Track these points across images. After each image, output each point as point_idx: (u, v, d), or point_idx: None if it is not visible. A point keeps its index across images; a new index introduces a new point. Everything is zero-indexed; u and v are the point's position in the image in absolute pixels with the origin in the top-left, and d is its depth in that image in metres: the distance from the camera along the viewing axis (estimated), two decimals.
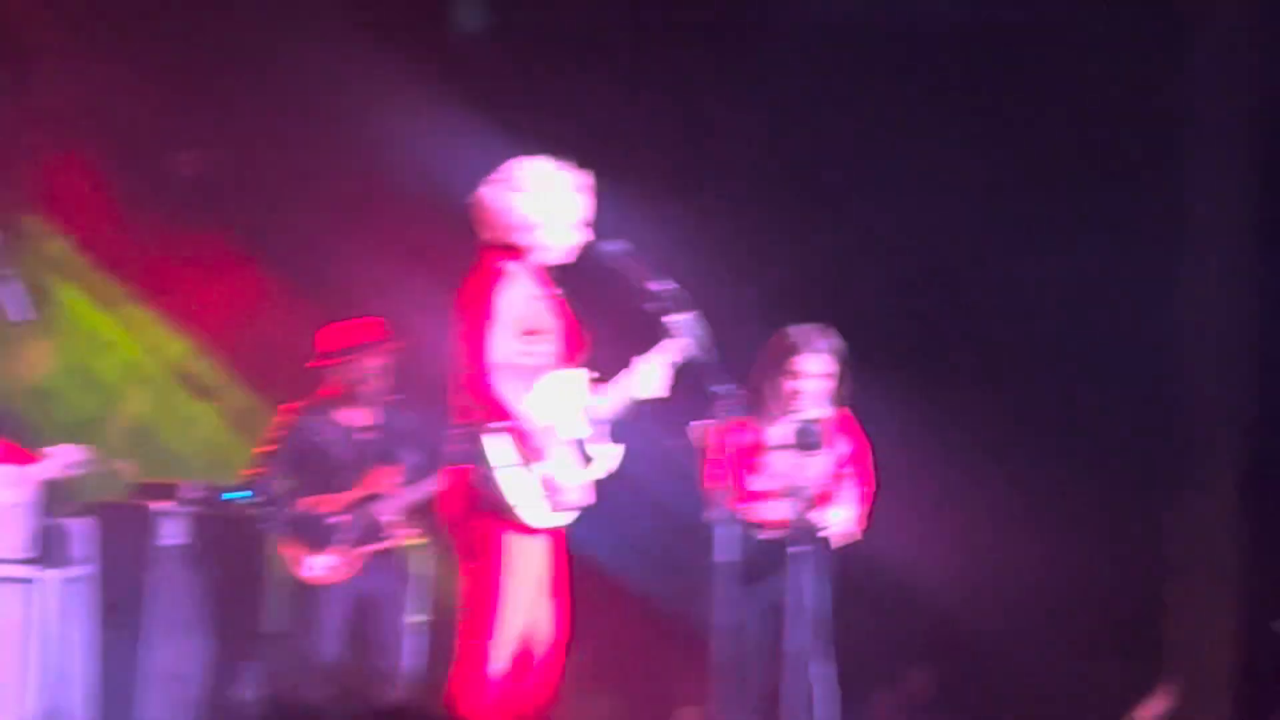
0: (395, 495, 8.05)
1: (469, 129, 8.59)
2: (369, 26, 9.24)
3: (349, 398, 8.17)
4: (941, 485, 9.39)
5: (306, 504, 8.03)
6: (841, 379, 7.30)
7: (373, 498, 8.06)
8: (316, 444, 8.14)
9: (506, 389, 5.92)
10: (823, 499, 7.20)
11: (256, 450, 8.17)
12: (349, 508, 8.03)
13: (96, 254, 9.48)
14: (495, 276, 6.03)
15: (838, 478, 7.28)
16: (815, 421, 7.17)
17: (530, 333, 6.04)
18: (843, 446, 7.33)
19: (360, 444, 8.18)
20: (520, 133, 6.94)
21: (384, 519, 8.03)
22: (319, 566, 8.00)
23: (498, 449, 5.94)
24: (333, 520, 8.01)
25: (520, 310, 6.02)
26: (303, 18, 9.07)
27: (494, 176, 6.16)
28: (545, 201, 6.09)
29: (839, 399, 7.29)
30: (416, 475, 8.04)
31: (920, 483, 8.97)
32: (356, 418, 8.20)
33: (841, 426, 7.33)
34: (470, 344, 5.94)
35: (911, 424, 8.85)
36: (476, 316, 5.96)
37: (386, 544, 8.06)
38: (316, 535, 8.00)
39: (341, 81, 9.17)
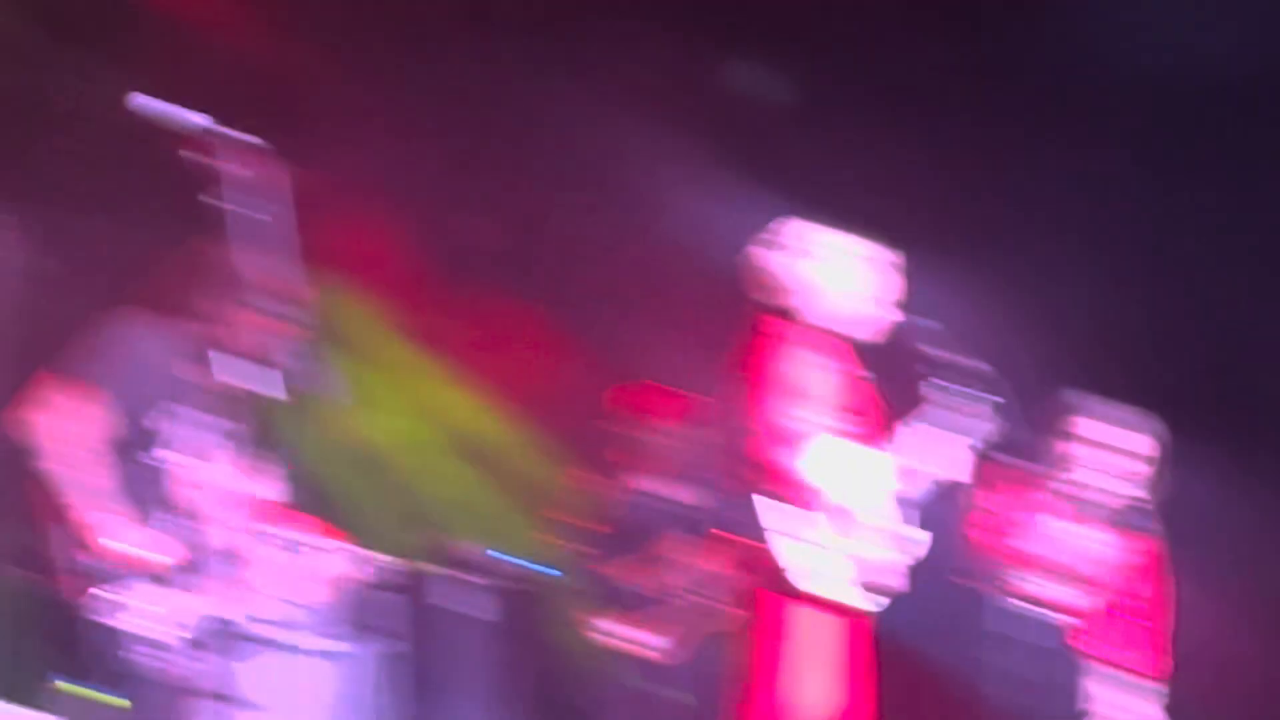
0: (692, 565, 8.04)
1: (756, 196, 8.56)
2: (656, 94, 9.28)
3: (643, 465, 8.20)
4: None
5: (607, 571, 8.07)
6: (1159, 469, 7.02)
7: (670, 566, 8.05)
8: (616, 510, 8.18)
9: (780, 454, 5.85)
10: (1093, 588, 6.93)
11: (562, 520, 8.23)
12: (646, 576, 8.03)
13: (397, 322, 9.69)
14: (769, 340, 5.96)
15: (1129, 610, 6.99)
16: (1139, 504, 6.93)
17: (802, 398, 5.96)
18: (1139, 579, 7.05)
19: (661, 512, 8.20)
20: (808, 200, 6.86)
21: (681, 587, 8.02)
22: (624, 636, 8.02)
23: (770, 513, 5.87)
24: (632, 588, 8.02)
25: (793, 375, 5.94)
26: (594, 89, 9.15)
27: (769, 237, 6.11)
28: (827, 270, 6.03)
29: (1154, 490, 7.00)
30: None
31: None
32: (651, 485, 8.23)
33: (1143, 556, 7.05)
34: (747, 407, 5.90)
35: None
36: (750, 380, 5.91)
37: (684, 612, 8.04)
38: (618, 603, 8.03)
39: (629, 148, 9.23)
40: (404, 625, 8.03)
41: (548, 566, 8.31)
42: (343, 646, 7.72)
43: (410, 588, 8.14)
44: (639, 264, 9.47)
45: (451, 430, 9.93)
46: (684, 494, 8.16)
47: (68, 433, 5.66)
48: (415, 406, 9.91)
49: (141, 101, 4.66)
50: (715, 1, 9.37)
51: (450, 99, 9.53)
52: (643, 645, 7.96)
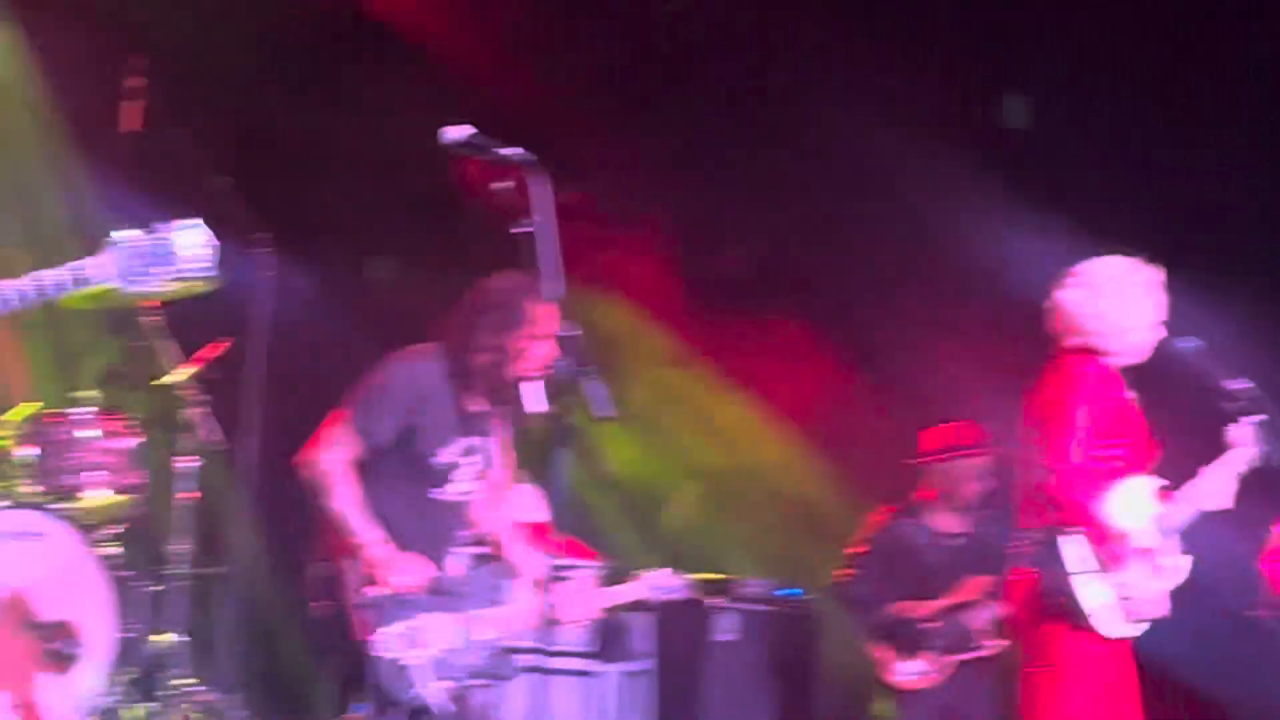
0: (986, 605, 7.91)
1: (1039, 227, 8.43)
2: (943, 126, 9.23)
3: (944, 502, 8.10)
4: None
5: (898, 608, 7.98)
6: None
7: (964, 606, 7.93)
8: (909, 547, 8.07)
9: (1085, 493, 5.76)
10: None
11: (848, 550, 8.15)
12: (940, 615, 7.92)
13: (668, 346, 9.73)
14: (1075, 379, 5.88)
15: None
16: None
17: (1109, 436, 5.86)
18: None
19: (952, 550, 8.09)
20: (1090, 229, 6.75)
21: (974, 628, 7.90)
22: (908, 672, 7.90)
23: (1075, 554, 5.78)
24: (924, 626, 7.92)
25: (1100, 413, 5.85)
26: (885, 119, 9.11)
27: (1071, 278, 6.03)
28: (1125, 303, 5.92)
29: None
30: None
31: None
32: (949, 523, 8.12)
33: None
34: (1049, 446, 5.81)
35: None
36: (1056, 418, 5.82)
37: (975, 654, 7.91)
38: (907, 640, 7.93)
39: (907, 178, 9.15)
40: (651, 646, 8.04)
41: (795, 591, 8.25)
42: (587, 665, 7.77)
43: (659, 608, 8.14)
44: (936, 300, 9.38)
45: (726, 456, 9.94)
46: (978, 529, 8.08)
47: (354, 470, 5.77)
48: (690, 431, 9.94)
49: (451, 133, 4.73)
50: (999, 34, 9.29)
51: (726, 122, 9.59)
52: (920, 678, 7.87)
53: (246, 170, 8.56)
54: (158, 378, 7.92)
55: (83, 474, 7.39)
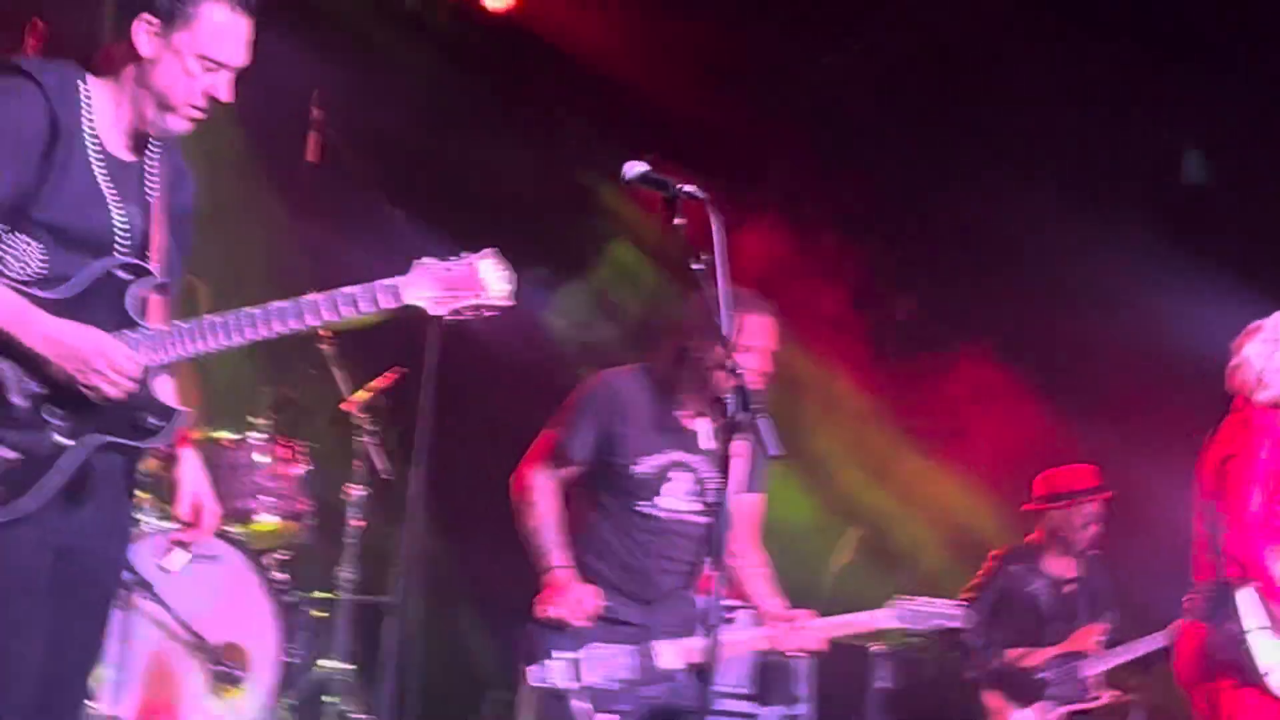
0: (1101, 653, 7.81)
1: (1221, 281, 8.33)
2: (1113, 177, 9.16)
3: (1057, 546, 8.01)
4: None
5: (1013, 655, 7.89)
6: None
7: (1078, 654, 7.84)
8: (1023, 593, 8.00)
9: (1262, 546, 5.66)
10: None
11: (962, 594, 8.08)
12: (1054, 662, 7.83)
13: (844, 387, 9.73)
14: (1256, 432, 5.79)
15: None
16: None
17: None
18: None
19: (1066, 597, 8.00)
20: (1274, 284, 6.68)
21: (1088, 677, 7.79)
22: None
23: (1250, 609, 5.67)
24: (1038, 675, 7.83)
25: (1273, 465, 5.76)
26: (1059, 183, 9.07)
27: (1255, 332, 5.95)
28: None
29: None
30: (1117, 634, 7.82)
31: None
32: (1061, 567, 8.03)
33: None
34: (1227, 499, 5.72)
35: None
36: (1235, 472, 5.73)
37: (1090, 704, 7.81)
38: (1021, 688, 7.84)
39: (1088, 231, 9.10)
40: (811, 689, 7.99)
41: (948, 640, 8.17)
42: (747, 707, 7.74)
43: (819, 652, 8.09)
44: (1120, 352, 9.31)
45: (882, 495, 9.91)
46: (1088, 574, 8.00)
47: (558, 490, 5.81)
48: (859, 474, 9.93)
49: (631, 168, 4.78)
50: (1174, 92, 9.21)
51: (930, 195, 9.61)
52: None
53: (425, 201, 8.68)
54: (330, 405, 8.02)
55: (255, 499, 7.50)
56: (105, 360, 4.38)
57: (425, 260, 4.52)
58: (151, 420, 4.50)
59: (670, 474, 5.81)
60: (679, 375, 5.77)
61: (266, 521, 7.53)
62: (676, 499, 5.81)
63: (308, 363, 8.08)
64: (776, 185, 10.05)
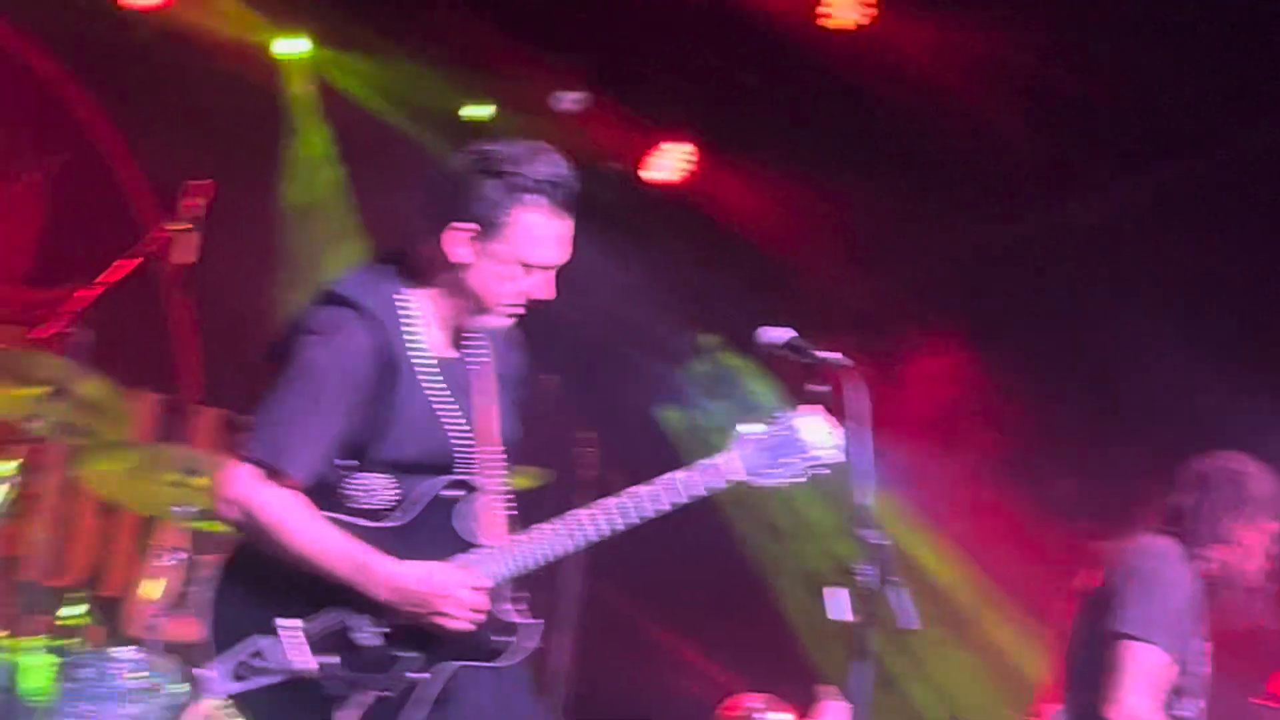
0: None
1: None
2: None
3: None
4: None
5: None
6: None
7: None
8: None
9: None
10: None
11: None
12: None
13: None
14: None
15: None
16: None
17: None
18: None
19: None
20: None
21: None
22: None
23: None
24: None
25: None
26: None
27: None
28: None
29: None
30: None
31: None
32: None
33: None
34: None
35: None
36: None
37: None
38: None
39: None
40: None
41: None
42: None
43: None
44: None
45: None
46: None
47: None
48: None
49: (769, 334, 4.77)
50: None
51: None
52: None
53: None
54: None
55: None
56: (448, 600, 4.42)
57: (743, 430, 4.48)
58: (497, 639, 4.52)
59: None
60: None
61: None
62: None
63: None
64: (925, 354, 10.01)
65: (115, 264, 7.03)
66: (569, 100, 10.04)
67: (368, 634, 4.45)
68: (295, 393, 4.49)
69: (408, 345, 4.54)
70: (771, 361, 5.11)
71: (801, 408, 4.46)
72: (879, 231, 9.99)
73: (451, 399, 4.59)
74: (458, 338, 4.67)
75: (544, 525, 4.51)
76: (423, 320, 4.58)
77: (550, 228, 4.52)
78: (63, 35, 9.29)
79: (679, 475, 4.45)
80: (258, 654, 4.46)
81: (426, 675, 4.45)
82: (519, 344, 4.86)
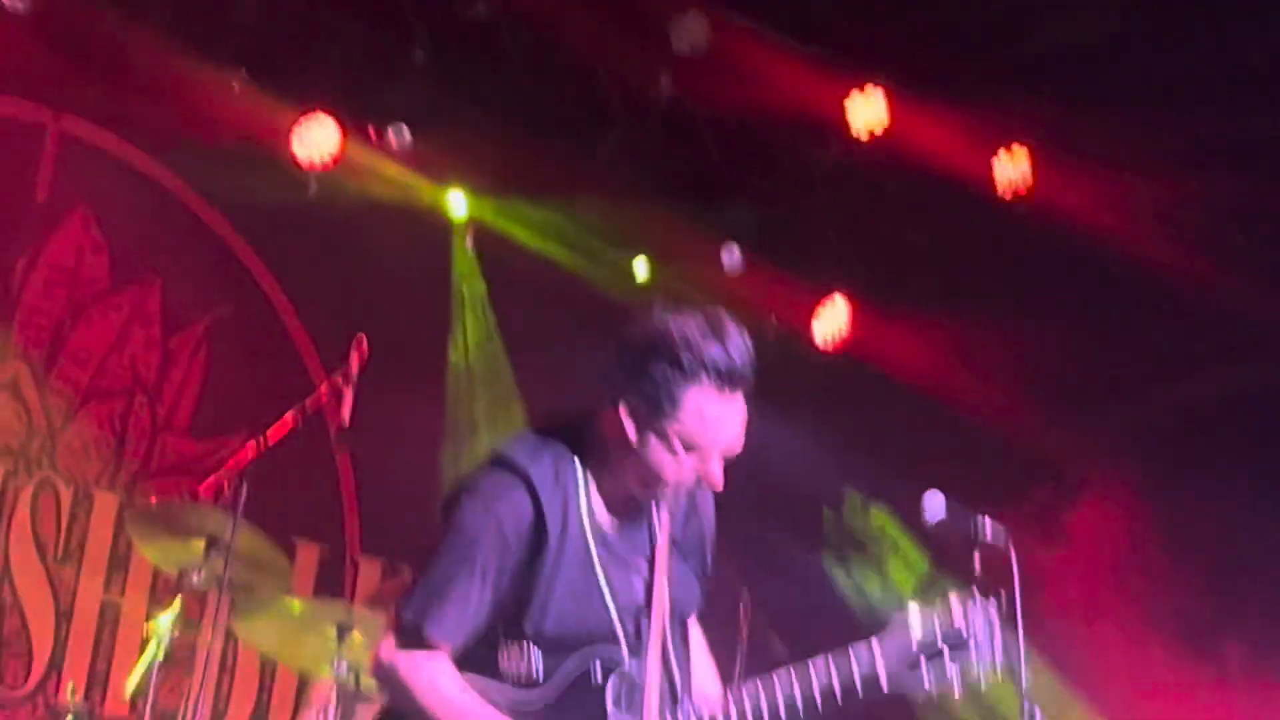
0: None
1: None
2: None
3: None
4: None
5: None
6: None
7: None
8: None
9: None
10: None
11: None
12: None
13: None
14: None
15: None
16: None
17: None
18: None
19: None
20: None
21: None
22: None
23: None
24: None
25: None
26: None
27: None
28: None
29: None
30: None
31: None
32: None
33: None
34: None
35: None
36: None
37: None
38: None
39: None
40: None
41: None
42: None
43: None
44: None
45: None
46: None
47: None
48: None
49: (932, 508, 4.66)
50: None
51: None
52: None
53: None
54: None
55: None
56: None
57: (910, 613, 4.37)
58: None
59: None
60: None
61: None
62: None
63: None
64: (1096, 507, 9.86)
65: (280, 419, 7.06)
66: (733, 258, 10.02)
67: None
68: (451, 558, 4.43)
69: (570, 516, 4.45)
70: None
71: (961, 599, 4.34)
72: (1050, 382, 9.87)
73: (615, 571, 4.49)
74: (626, 508, 4.55)
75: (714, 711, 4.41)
76: (589, 492, 4.50)
77: (722, 410, 4.38)
78: (232, 191, 9.45)
79: (831, 659, 4.36)
80: None
81: None
82: (703, 506, 4.71)
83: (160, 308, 9.59)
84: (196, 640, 7.58)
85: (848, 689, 4.34)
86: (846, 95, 9.73)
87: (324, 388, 7.17)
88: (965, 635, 4.36)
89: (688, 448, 4.39)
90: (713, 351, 4.34)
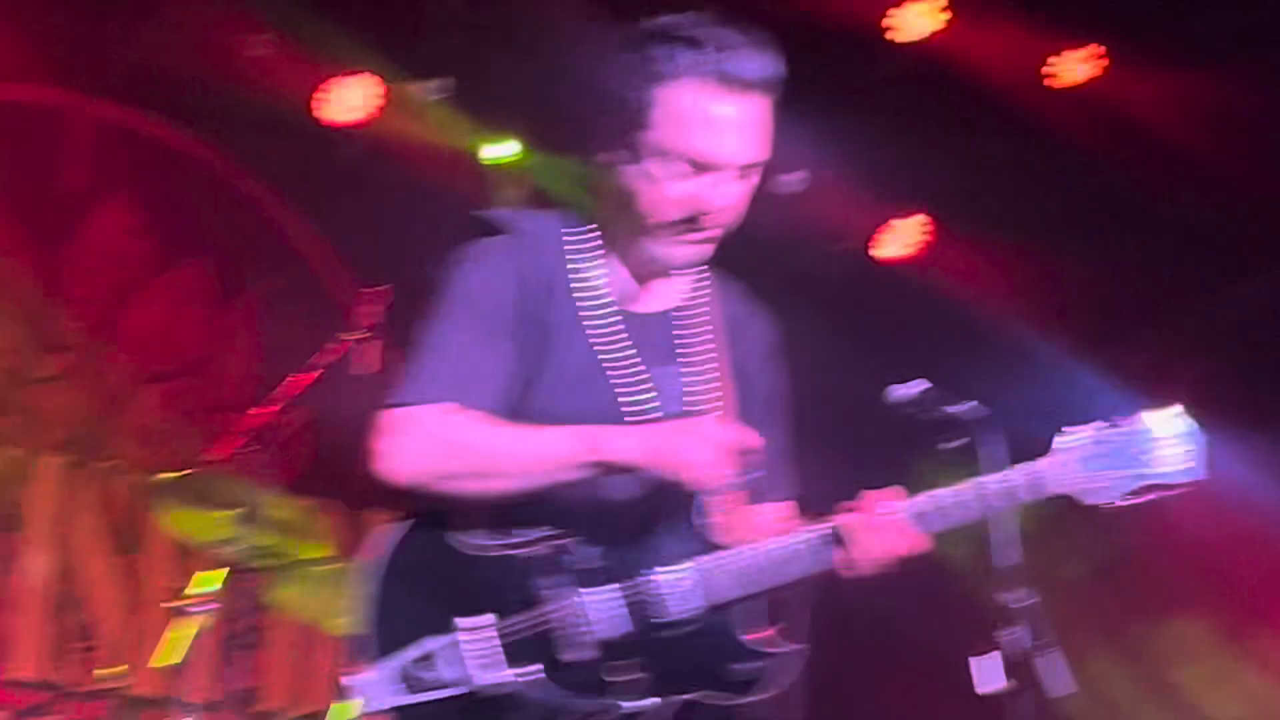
0: None
1: None
2: None
3: None
4: None
5: None
6: None
7: None
8: None
9: None
10: None
11: None
12: None
13: None
14: None
15: None
16: None
17: None
18: None
19: None
20: None
21: None
22: None
23: None
24: None
25: None
26: None
27: None
28: None
29: None
30: None
31: None
32: None
33: None
34: None
35: None
36: None
37: None
38: None
39: None
40: None
41: None
42: None
43: None
44: None
45: None
46: None
47: None
48: None
49: (899, 390, 4.28)
50: None
51: None
52: None
53: None
54: None
55: None
56: (703, 444, 3.47)
57: (1071, 434, 3.65)
58: (739, 667, 3.59)
59: None
60: None
61: None
62: None
63: None
64: None
65: (290, 380, 6.88)
66: (791, 180, 9.70)
67: (574, 648, 3.51)
68: (456, 324, 3.61)
69: (573, 282, 3.66)
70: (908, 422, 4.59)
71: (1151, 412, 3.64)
72: (1108, 303, 9.51)
73: (635, 357, 3.66)
74: (660, 291, 3.71)
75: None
76: (600, 258, 3.69)
77: (711, 108, 3.46)
78: (269, 159, 9.31)
79: (990, 480, 3.64)
80: (427, 660, 3.58)
81: (653, 702, 3.50)
82: (759, 310, 3.92)
83: (208, 284, 9.46)
84: (233, 612, 7.42)
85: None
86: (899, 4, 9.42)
87: (338, 343, 6.99)
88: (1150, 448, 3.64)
89: (678, 162, 3.52)
90: (702, 38, 3.51)
